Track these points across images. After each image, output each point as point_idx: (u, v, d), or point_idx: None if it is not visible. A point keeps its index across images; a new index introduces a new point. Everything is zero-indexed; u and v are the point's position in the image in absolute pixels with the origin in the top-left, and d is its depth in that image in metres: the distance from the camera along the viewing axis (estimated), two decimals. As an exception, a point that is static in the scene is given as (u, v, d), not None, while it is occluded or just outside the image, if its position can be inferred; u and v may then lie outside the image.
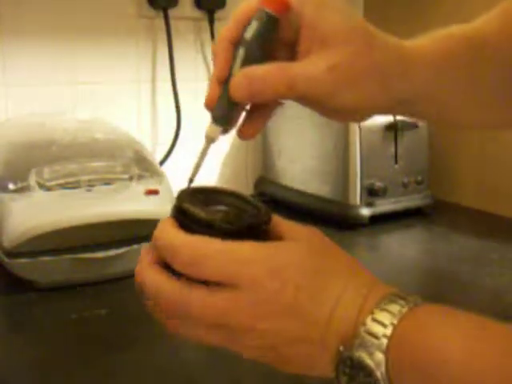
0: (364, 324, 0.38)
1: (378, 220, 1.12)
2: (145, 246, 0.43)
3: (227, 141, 1.31)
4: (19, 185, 0.83)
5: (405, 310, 0.38)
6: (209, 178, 1.25)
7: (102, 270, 0.85)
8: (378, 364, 0.37)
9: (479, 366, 0.35)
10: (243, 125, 0.47)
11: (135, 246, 0.85)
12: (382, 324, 0.37)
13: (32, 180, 0.83)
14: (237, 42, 0.45)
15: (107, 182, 0.86)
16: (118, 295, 0.83)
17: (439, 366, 0.36)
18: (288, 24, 0.46)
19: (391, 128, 1.12)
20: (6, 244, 0.81)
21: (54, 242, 0.81)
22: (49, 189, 0.83)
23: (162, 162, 1.17)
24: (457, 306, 0.39)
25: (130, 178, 0.88)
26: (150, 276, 0.41)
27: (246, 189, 1.31)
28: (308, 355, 0.40)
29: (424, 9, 1.28)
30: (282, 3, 0.44)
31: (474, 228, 1.13)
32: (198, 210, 0.41)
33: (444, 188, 1.27)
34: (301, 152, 1.20)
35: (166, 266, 0.41)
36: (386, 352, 0.37)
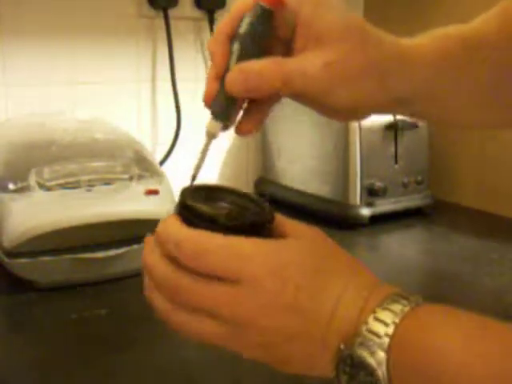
0: (366, 323, 0.38)
1: (378, 220, 1.12)
2: (147, 237, 0.43)
3: (227, 141, 1.31)
4: (19, 185, 0.83)
5: (407, 309, 0.38)
6: (209, 178, 1.25)
7: (102, 269, 0.85)
8: (379, 363, 0.37)
9: (480, 367, 0.35)
10: (241, 121, 0.47)
11: (135, 246, 0.85)
12: (384, 323, 0.37)
13: (32, 180, 0.83)
14: (233, 37, 0.45)
15: (107, 182, 0.86)
16: (118, 295, 0.83)
17: (440, 366, 0.36)
18: (284, 21, 0.46)
19: (391, 128, 1.12)
20: (6, 244, 0.80)
21: (54, 242, 0.81)
22: (49, 189, 0.83)
23: (162, 162, 1.17)
24: (457, 306, 0.39)
25: (130, 178, 0.88)
26: (155, 262, 0.41)
27: (246, 189, 1.31)
28: (308, 354, 0.40)
29: (424, 9, 1.28)
30: None
31: (474, 228, 1.13)
32: (201, 206, 0.41)
33: (444, 188, 1.27)
34: (301, 152, 1.20)
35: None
36: (388, 351, 0.37)
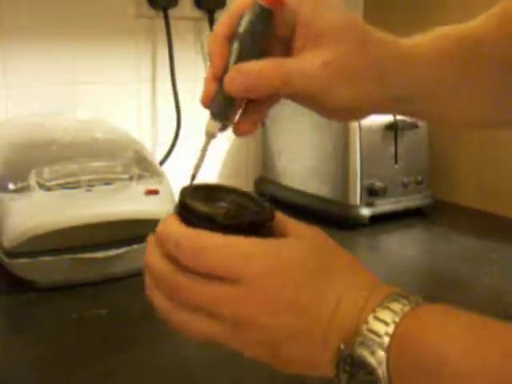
0: (366, 322, 0.38)
1: (378, 220, 1.12)
2: (150, 236, 0.43)
3: (227, 140, 1.31)
4: (19, 185, 0.83)
5: (407, 308, 0.38)
6: (209, 177, 1.25)
7: (102, 269, 0.85)
8: (379, 362, 0.37)
9: (480, 366, 0.35)
10: (239, 121, 0.47)
11: (135, 246, 0.85)
12: (384, 322, 0.37)
13: (32, 180, 0.83)
14: (232, 37, 0.45)
15: (107, 182, 0.86)
16: (118, 295, 0.83)
17: (440, 366, 0.36)
18: (283, 20, 0.46)
19: (391, 128, 1.12)
20: (6, 244, 0.80)
21: (54, 242, 0.81)
22: (49, 189, 0.83)
23: (162, 162, 1.17)
24: (457, 306, 0.39)
25: (130, 178, 0.88)
26: (155, 262, 0.41)
27: (246, 188, 1.30)
28: (308, 353, 0.40)
29: (424, 13, 1.28)
30: None
31: (474, 228, 1.13)
32: (199, 205, 0.41)
33: (444, 188, 1.27)
34: (301, 152, 1.20)
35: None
36: (388, 350, 0.37)
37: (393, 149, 1.13)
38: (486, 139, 1.20)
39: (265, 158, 1.30)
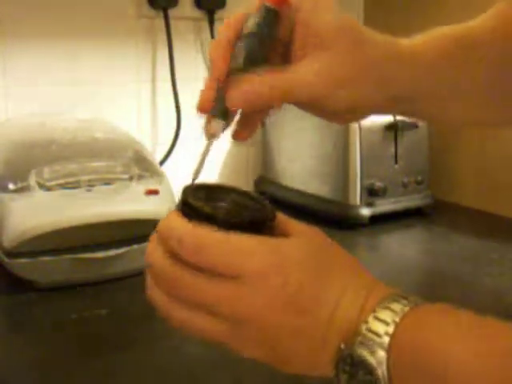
0: (366, 322, 0.38)
1: (378, 220, 1.12)
2: (152, 235, 0.43)
3: (227, 140, 1.31)
4: (19, 185, 0.83)
5: (407, 308, 0.38)
6: (209, 177, 1.25)
7: (102, 269, 0.85)
8: (379, 362, 0.37)
9: (480, 366, 0.35)
10: (238, 127, 0.47)
11: (135, 246, 0.85)
12: (385, 322, 0.37)
13: (32, 180, 0.83)
14: (238, 39, 0.45)
15: (107, 182, 0.86)
16: (118, 295, 0.83)
17: (440, 365, 0.36)
18: (289, 22, 0.46)
19: (391, 128, 1.12)
20: (6, 244, 0.80)
21: (54, 242, 0.81)
22: (49, 189, 0.83)
23: (162, 162, 1.17)
24: (457, 306, 0.39)
25: (130, 178, 0.88)
26: (157, 258, 0.41)
27: (246, 188, 1.31)
28: (308, 353, 0.40)
29: (424, 13, 1.28)
30: None
31: (474, 228, 1.13)
32: (201, 204, 0.41)
33: (444, 188, 1.27)
34: (301, 152, 1.20)
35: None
36: (388, 350, 0.37)
37: (393, 149, 1.13)
38: (486, 139, 1.20)
39: (265, 158, 1.30)
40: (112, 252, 0.84)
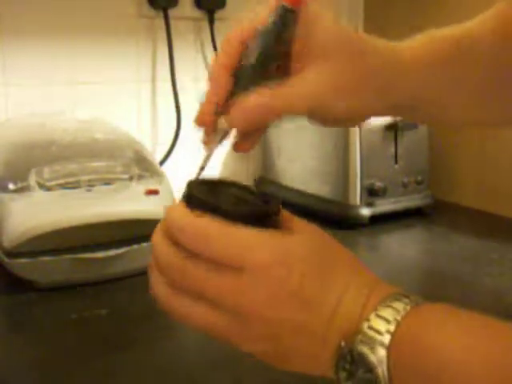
0: (367, 320, 0.38)
1: (378, 220, 1.12)
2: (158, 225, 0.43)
3: (227, 140, 1.31)
4: (19, 185, 0.83)
5: (409, 307, 0.38)
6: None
7: (102, 269, 0.85)
8: (380, 361, 0.37)
9: (480, 365, 0.35)
10: (239, 139, 0.47)
11: (135, 246, 0.85)
12: (386, 320, 0.37)
13: (32, 180, 0.83)
14: (234, 69, 0.45)
15: (107, 182, 0.86)
16: (118, 295, 0.83)
17: (440, 365, 0.36)
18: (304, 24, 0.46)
19: (391, 128, 1.12)
20: (6, 244, 0.80)
21: (54, 242, 0.81)
22: (49, 189, 0.83)
23: (162, 162, 1.17)
24: (457, 306, 0.39)
25: (130, 178, 0.88)
26: (161, 248, 0.41)
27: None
28: (309, 349, 0.40)
29: (425, 10, 1.28)
30: None
31: (474, 228, 1.13)
32: (206, 197, 0.41)
33: (444, 188, 1.27)
34: (301, 152, 1.20)
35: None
36: (389, 348, 0.37)
37: (393, 149, 1.14)
38: (487, 139, 1.20)
39: (265, 158, 1.30)
40: (112, 252, 0.84)
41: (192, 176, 0.46)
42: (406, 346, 0.37)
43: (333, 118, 0.47)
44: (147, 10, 1.17)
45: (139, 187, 0.88)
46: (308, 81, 0.44)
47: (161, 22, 1.17)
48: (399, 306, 0.38)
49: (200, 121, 0.46)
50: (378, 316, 0.38)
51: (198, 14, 1.22)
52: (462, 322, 0.38)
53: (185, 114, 1.19)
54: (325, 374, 0.40)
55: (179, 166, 1.08)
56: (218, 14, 1.23)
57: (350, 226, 1.11)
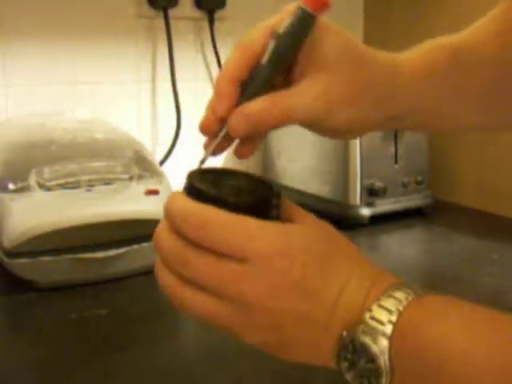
0: (370, 310, 0.38)
1: (378, 220, 1.12)
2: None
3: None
4: (19, 185, 0.83)
5: (411, 297, 0.38)
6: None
7: (102, 269, 0.85)
8: (381, 351, 0.37)
9: (483, 356, 0.35)
10: (239, 146, 0.47)
11: (135, 246, 0.85)
12: (388, 310, 0.37)
13: (32, 180, 0.83)
14: (241, 81, 0.44)
15: (107, 182, 0.86)
16: (118, 295, 0.83)
17: (443, 355, 0.36)
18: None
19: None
20: (6, 244, 0.80)
21: (54, 242, 0.81)
22: (49, 189, 0.83)
23: (162, 162, 1.17)
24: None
25: (130, 178, 0.88)
26: (163, 236, 0.41)
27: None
28: (311, 339, 0.40)
29: (425, 10, 1.28)
30: (318, 0, 0.43)
31: (474, 228, 1.13)
32: (206, 186, 0.41)
33: (444, 188, 1.27)
34: (301, 152, 1.20)
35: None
36: (390, 338, 0.37)
37: (393, 149, 1.14)
38: (486, 139, 1.20)
39: (265, 157, 1.30)
40: (112, 252, 0.84)
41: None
42: (407, 336, 0.37)
43: (332, 128, 0.47)
44: (147, 10, 1.17)
45: (139, 187, 0.88)
46: (307, 91, 0.45)
47: (161, 22, 1.17)
48: (401, 296, 0.38)
49: (205, 128, 0.46)
50: (380, 306, 0.38)
51: (197, 14, 1.22)
52: (464, 313, 0.38)
53: (185, 114, 1.19)
54: (327, 364, 0.41)
55: (179, 166, 1.08)
56: (218, 14, 1.23)
57: (350, 225, 1.11)
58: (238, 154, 0.48)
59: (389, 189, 1.12)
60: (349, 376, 0.39)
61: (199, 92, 1.25)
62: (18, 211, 0.81)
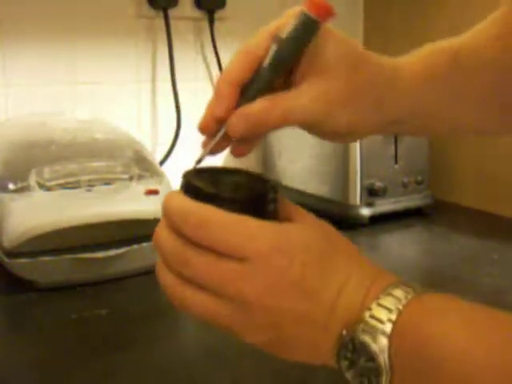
0: (369, 309, 0.38)
1: (378, 220, 1.12)
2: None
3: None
4: (19, 185, 0.83)
5: (410, 295, 0.38)
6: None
7: (102, 269, 0.85)
8: (381, 350, 0.37)
9: (483, 354, 0.35)
10: (236, 144, 0.47)
11: (135, 246, 0.85)
12: (388, 309, 0.37)
13: (32, 180, 0.83)
14: (242, 84, 0.44)
15: (107, 182, 0.86)
16: (118, 295, 0.83)
17: (442, 353, 0.36)
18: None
19: (391, 128, 1.12)
20: (6, 244, 0.80)
21: (54, 242, 0.81)
22: (49, 189, 0.83)
23: (162, 162, 1.17)
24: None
25: (130, 178, 0.88)
26: (163, 236, 0.41)
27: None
28: (311, 339, 0.40)
29: (425, 10, 1.28)
30: (322, 7, 0.43)
31: (474, 228, 1.13)
32: (203, 184, 0.41)
33: (444, 188, 1.27)
34: (301, 152, 1.20)
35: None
36: (390, 337, 0.37)
37: (393, 149, 1.14)
38: (486, 139, 1.20)
39: (265, 158, 1.30)
40: (112, 252, 0.84)
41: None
42: (407, 334, 0.37)
43: (331, 131, 0.47)
44: (147, 10, 1.17)
45: (139, 187, 0.88)
46: (306, 94, 0.45)
47: (161, 22, 1.17)
48: (400, 294, 0.38)
49: (204, 128, 0.46)
50: (380, 305, 0.38)
51: (197, 14, 1.22)
52: (464, 311, 0.38)
53: (185, 114, 1.19)
54: (326, 363, 0.41)
55: (179, 166, 1.08)
56: (218, 14, 1.23)
57: (350, 225, 1.11)
58: (235, 152, 0.48)
59: (389, 189, 1.12)
60: (349, 375, 0.39)
61: (199, 92, 1.25)
62: (18, 211, 0.81)
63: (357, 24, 1.44)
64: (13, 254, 0.81)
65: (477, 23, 0.54)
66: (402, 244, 1.08)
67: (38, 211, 0.81)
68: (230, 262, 0.39)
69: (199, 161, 0.46)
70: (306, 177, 1.20)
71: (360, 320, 0.38)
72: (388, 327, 0.37)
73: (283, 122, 0.45)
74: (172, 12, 1.17)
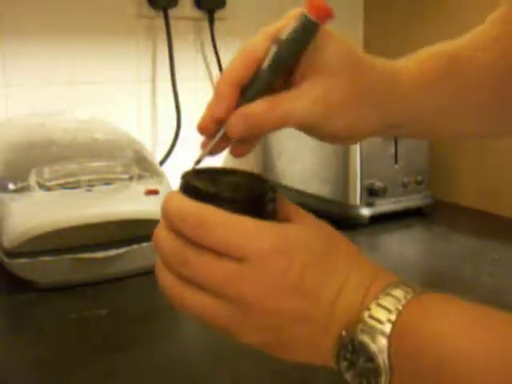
0: (368, 309, 0.38)
1: (378, 220, 1.12)
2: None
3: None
4: (19, 185, 0.83)
5: (410, 296, 0.38)
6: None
7: (102, 269, 0.85)
8: (380, 350, 0.37)
9: (482, 354, 0.35)
10: (235, 145, 0.48)
11: (135, 246, 0.85)
12: (387, 309, 0.37)
13: (32, 180, 0.83)
14: (242, 85, 0.44)
15: (107, 182, 0.86)
16: (118, 295, 0.83)
17: (442, 353, 0.36)
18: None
19: (391, 128, 1.12)
20: (6, 244, 0.80)
21: (54, 242, 0.81)
22: (49, 189, 0.83)
23: (162, 162, 1.17)
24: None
25: (130, 178, 0.88)
26: (162, 236, 0.41)
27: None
28: (310, 339, 0.40)
29: (425, 11, 1.28)
30: (322, 9, 0.43)
31: (474, 228, 1.13)
32: (202, 184, 0.41)
33: (444, 188, 1.27)
34: (301, 152, 1.20)
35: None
36: (389, 337, 0.37)
37: (393, 149, 1.14)
38: (486, 140, 1.20)
39: (265, 158, 1.30)
40: (112, 252, 0.84)
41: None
42: (407, 334, 0.37)
43: (330, 134, 0.47)
44: (147, 10, 1.17)
45: (139, 187, 0.88)
46: (305, 96, 0.45)
47: (161, 22, 1.17)
48: (400, 294, 0.38)
49: (203, 128, 0.46)
50: (379, 305, 0.38)
51: (197, 14, 1.22)
52: (463, 312, 0.38)
53: (185, 114, 1.19)
54: (326, 363, 0.40)
55: (179, 166, 1.08)
56: (218, 14, 1.23)
57: (350, 225, 1.11)
58: (235, 152, 0.48)
59: (389, 189, 1.12)
60: (348, 375, 0.39)
61: (199, 92, 1.25)
62: (18, 211, 0.81)
63: (357, 26, 1.44)
64: (13, 253, 0.81)
65: (477, 25, 0.53)
66: (402, 244, 1.08)
67: (38, 211, 0.81)
68: (229, 262, 0.39)
69: (198, 161, 0.46)
70: (305, 177, 1.20)
71: (359, 320, 0.38)
72: (387, 327, 0.37)
73: (282, 123, 0.45)
74: (172, 12, 1.17)
